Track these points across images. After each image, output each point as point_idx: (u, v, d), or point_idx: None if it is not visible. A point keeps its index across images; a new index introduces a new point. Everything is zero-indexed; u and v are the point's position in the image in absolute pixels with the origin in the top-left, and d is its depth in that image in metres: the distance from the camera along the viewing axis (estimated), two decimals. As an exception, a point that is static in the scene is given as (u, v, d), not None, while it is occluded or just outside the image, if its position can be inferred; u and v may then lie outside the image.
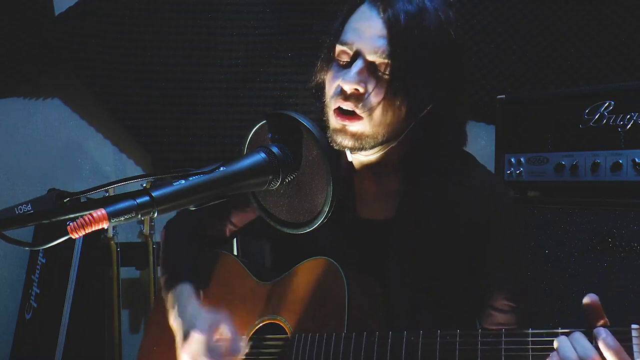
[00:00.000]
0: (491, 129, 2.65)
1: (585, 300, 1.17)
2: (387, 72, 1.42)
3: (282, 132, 1.13)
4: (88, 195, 1.00)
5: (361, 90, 1.42)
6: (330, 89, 1.49)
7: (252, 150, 1.11)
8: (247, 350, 1.58)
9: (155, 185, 0.98)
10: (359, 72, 1.42)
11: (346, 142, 1.46)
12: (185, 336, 1.58)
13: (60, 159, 3.11)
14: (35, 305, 2.88)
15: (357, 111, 1.43)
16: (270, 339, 1.58)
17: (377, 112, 1.43)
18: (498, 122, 2.42)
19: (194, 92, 3.01)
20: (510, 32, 2.88)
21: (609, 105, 2.11)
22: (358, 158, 1.59)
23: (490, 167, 2.35)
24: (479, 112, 2.82)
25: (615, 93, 2.12)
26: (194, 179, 1.01)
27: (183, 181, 1.00)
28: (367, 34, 1.43)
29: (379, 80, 1.42)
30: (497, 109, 2.40)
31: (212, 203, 1.04)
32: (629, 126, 2.06)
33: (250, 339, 1.62)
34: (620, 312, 1.96)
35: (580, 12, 2.77)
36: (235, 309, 1.64)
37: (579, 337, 1.15)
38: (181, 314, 1.63)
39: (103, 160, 3.15)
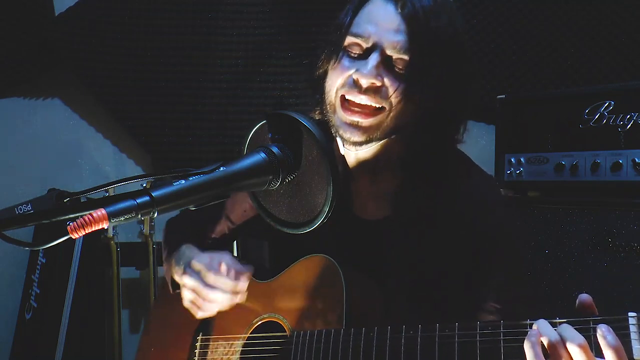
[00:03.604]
0: (491, 129, 2.65)
1: (582, 301, 1.18)
2: (403, 68, 1.41)
3: (282, 132, 1.13)
4: (88, 195, 1.00)
5: (378, 84, 1.41)
6: (337, 79, 1.47)
7: (252, 150, 1.11)
8: (251, 272, 1.61)
9: (155, 185, 0.98)
10: (377, 66, 1.41)
11: (356, 137, 1.45)
12: (185, 268, 1.61)
13: (60, 159, 3.11)
14: (35, 305, 2.88)
15: (373, 104, 1.42)
16: (269, 337, 1.58)
17: (395, 108, 1.43)
18: (498, 122, 2.43)
19: (194, 92, 3.01)
20: (510, 32, 2.88)
21: (609, 105, 2.11)
22: (353, 154, 1.59)
23: (490, 167, 2.36)
24: (479, 112, 2.82)
25: (615, 93, 2.12)
26: (194, 179, 1.01)
27: (183, 181, 1.00)
28: (384, 27, 1.41)
29: (395, 75, 1.42)
30: (497, 109, 2.40)
31: (212, 203, 1.04)
32: (629, 126, 2.06)
33: (248, 338, 1.63)
34: (620, 312, 1.96)
35: (580, 12, 2.77)
36: (233, 308, 1.64)
37: (566, 327, 1.16)
38: (183, 260, 1.66)
39: (103, 160, 3.15)
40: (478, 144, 2.92)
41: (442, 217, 1.55)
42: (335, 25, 1.52)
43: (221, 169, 1.04)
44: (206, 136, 3.03)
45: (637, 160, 2.03)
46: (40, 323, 2.84)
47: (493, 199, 1.61)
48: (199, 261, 1.61)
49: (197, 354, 1.71)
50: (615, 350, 1.09)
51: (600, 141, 2.12)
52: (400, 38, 1.40)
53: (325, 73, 1.52)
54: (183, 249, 1.73)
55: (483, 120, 2.93)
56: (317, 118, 1.57)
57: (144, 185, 2.17)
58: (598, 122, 2.13)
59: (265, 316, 1.62)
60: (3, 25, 2.89)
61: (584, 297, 1.19)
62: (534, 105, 2.33)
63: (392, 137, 1.51)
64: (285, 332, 1.56)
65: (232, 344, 1.64)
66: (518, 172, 2.31)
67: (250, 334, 1.63)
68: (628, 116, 2.06)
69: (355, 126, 1.44)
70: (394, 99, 1.42)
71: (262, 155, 1.09)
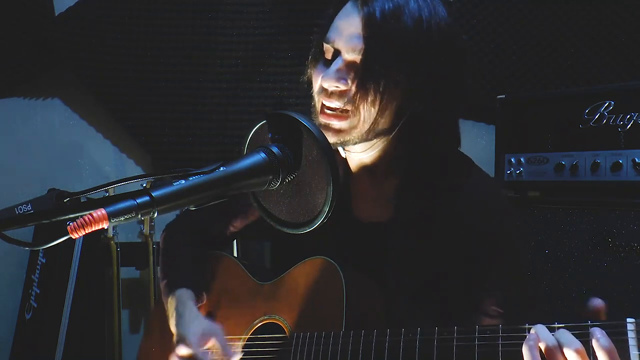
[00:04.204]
0: (491, 129, 2.65)
1: (594, 305, 1.17)
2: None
3: (282, 132, 1.13)
4: (88, 195, 1.00)
5: (342, 87, 1.44)
6: (315, 85, 1.52)
7: (252, 150, 1.11)
8: (240, 356, 1.59)
9: (155, 185, 0.97)
10: (338, 70, 1.44)
11: (329, 139, 1.47)
12: (177, 345, 1.60)
13: (60, 159, 3.12)
14: (35, 305, 2.88)
15: (342, 106, 1.45)
16: (269, 339, 1.58)
17: (360, 109, 1.44)
18: (498, 122, 2.43)
19: (194, 92, 3.01)
20: (510, 32, 2.88)
21: (609, 105, 2.11)
22: (355, 158, 1.59)
23: (490, 167, 2.36)
24: (479, 112, 2.81)
25: (615, 93, 2.12)
26: (194, 179, 1.01)
27: (183, 181, 0.99)
28: (346, 32, 1.45)
29: (359, 77, 1.44)
30: (497, 109, 2.40)
31: (212, 203, 1.04)
32: (629, 126, 2.06)
33: (248, 340, 1.63)
34: (620, 312, 1.96)
35: (580, 12, 2.77)
36: (234, 310, 1.64)
37: (563, 332, 1.15)
38: (177, 321, 1.64)
39: (103, 160, 3.15)
40: (478, 144, 2.92)
41: (442, 217, 1.54)
42: (318, 30, 1.55)
43: (221, 169, 1.04)
44: (206, 136, 3.03)
45: (637, 160, 2.03)
46: (40, 323, 2.83)
47: (493, 199, 1.60)
48: (188, 343, 1.58)
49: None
50: (608, 352, 1.09)
51: (600, 141, 2.12)
52: (358, 41, 1.42)
53: (311, 77, 1.56)
54: (178, 298, 1.69)
55: (483, 120, 2.93)
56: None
57: (144, 185, 2.18)
58: (598, 122, 2.13)
59: (265, 318, 1.62)
60: (3, 25, 2.89)
61: (597, 301, 1.18)
62: (534, 105, 2.33)
63: (389, 137, 1.51)
64: (285, 333, 1.56)
65: (232, 345, 1.64)
66: (518, 172, 2.31)
67: (251, 335, 1.63)
68: (628, 116, 2.06)
69: (327, 128, 1.48)
70: (356, 98, 1.44)
71: (262, 155, 1.09)
